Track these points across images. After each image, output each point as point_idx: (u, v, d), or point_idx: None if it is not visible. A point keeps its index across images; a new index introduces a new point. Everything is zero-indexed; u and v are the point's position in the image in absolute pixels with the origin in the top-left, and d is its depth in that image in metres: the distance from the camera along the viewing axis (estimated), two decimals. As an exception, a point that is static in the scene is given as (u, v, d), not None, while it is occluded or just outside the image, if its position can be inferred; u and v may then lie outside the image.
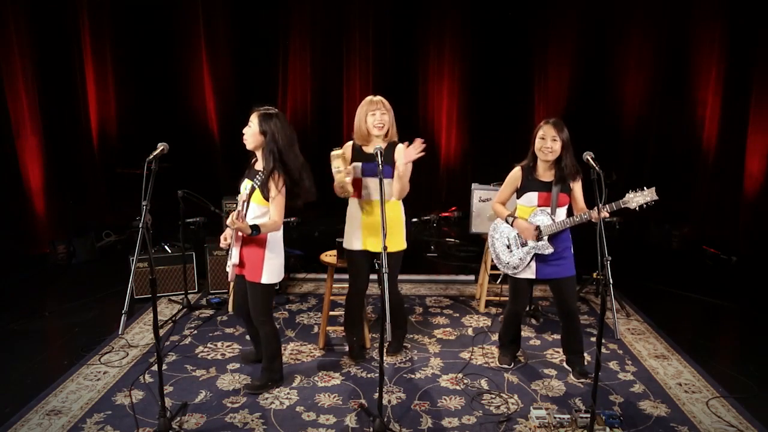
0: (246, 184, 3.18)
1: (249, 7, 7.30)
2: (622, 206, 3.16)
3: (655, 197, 3.11)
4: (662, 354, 3.88)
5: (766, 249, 5.98)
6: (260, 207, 3.13)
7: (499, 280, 4.75)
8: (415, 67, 7.61)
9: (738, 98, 6.36)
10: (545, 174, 3.36)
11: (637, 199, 3.13)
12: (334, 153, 3.36)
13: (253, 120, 3.12)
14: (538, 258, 3.38)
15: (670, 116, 7.03)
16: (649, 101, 7.22)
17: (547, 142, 3.27)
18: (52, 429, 2.98)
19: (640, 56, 7.18)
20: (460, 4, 7.43)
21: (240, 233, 3.11)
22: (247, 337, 3.83)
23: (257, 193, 3.09)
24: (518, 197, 3.45)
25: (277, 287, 4.26)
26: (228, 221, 2.99)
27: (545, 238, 3.32)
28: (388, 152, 3.41)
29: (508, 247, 3.46)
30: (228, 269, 3.27)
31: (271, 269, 3.20)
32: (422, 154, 3.24)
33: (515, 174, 3.44)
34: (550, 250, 3.32)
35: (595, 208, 3.09)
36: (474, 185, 4.62)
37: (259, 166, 3.20)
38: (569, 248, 3.41)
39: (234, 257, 3.17)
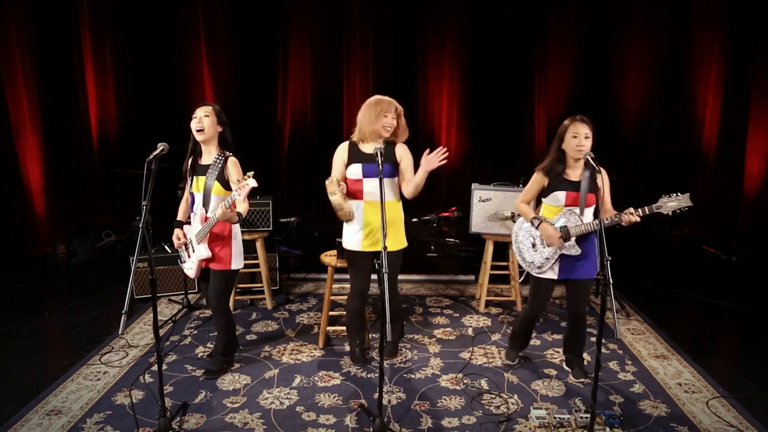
0: (202, 180, 3.31)
1: (249, 7, 7.30)
2: (655, 211, 3.04)
3: (689, 203, 2.98)
4: (662, 354, 3.88)
5: (766, 249, 5.98)
6: (220, 197, 3.29)
7: (521, 279, 4.67)
8: (415, 67, 7.60)
9: (738, 98, 6.36)
10: (574, 173, 3.27)
11: (671, 204, 3.01)
12: (327, 182, 3.37)
13: (209, 112, 3.29)
14: (562, 258, 3.30)
15: (670, 116, 7.03)
16: (649, 101, 7.22)
17: (581, 139, 3.17)
18: (52, 429, 2.98)
19: (640, 56, 7.17)
20: (461, 5, 7.43)
21: (213, 228, 3.29)
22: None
23: (217, 185, 3.28)
24: (544, 196, 3.35)
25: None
26: (219, 215, 3.12)
27: (573, 239, 3.24)
28: (388, 150, 3.39)
29: (533, 245, 3.38)
30: (189, 269, 3.41)
31: (238, 254, 3.40)
32: (444, 161, 3.18)
33: (540, 175, 3.34)
34: (577, 251, 3.24)
35: (627, 211, 3.03)
36: (474, 185, 4.61)
37: (205, 161, 3.35)
38: (594, 250, 3.29)
39: (203, 253, 3.32)
